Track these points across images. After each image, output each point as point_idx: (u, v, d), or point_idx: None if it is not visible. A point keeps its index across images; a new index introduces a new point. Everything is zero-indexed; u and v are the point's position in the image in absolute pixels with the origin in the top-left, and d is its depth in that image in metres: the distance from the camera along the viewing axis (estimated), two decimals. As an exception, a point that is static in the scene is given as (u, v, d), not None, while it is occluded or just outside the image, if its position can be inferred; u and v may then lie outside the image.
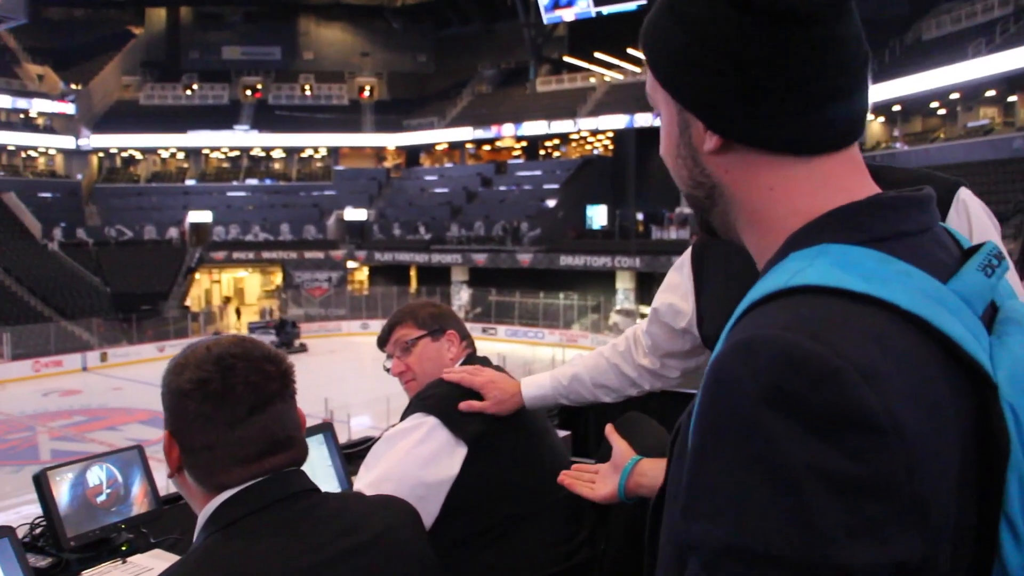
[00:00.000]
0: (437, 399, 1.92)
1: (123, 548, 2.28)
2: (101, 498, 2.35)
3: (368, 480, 1.82)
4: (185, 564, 1.17)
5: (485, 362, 2.20)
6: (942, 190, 1.61)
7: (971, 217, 1.47)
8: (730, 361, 0.65)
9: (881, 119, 34.13)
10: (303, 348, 33.65)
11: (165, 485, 2.68)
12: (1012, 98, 29.54)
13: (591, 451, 4.36)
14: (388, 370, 2.21)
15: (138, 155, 48.35)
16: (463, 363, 2.16)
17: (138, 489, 2.46)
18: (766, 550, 0.60)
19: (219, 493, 1.21)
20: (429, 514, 1.79)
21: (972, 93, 29.43)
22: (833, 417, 0.60)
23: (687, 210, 38.40)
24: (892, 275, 0.68)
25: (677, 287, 1.86)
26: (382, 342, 2.23)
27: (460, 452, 1.86)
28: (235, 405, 1.19)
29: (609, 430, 1.75)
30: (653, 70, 0.83)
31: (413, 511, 1.43)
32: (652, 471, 1.60)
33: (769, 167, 0.77)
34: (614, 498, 1.66)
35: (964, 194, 1.53)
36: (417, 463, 1.82)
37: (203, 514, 1.23)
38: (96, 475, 2.35)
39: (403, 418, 1.96)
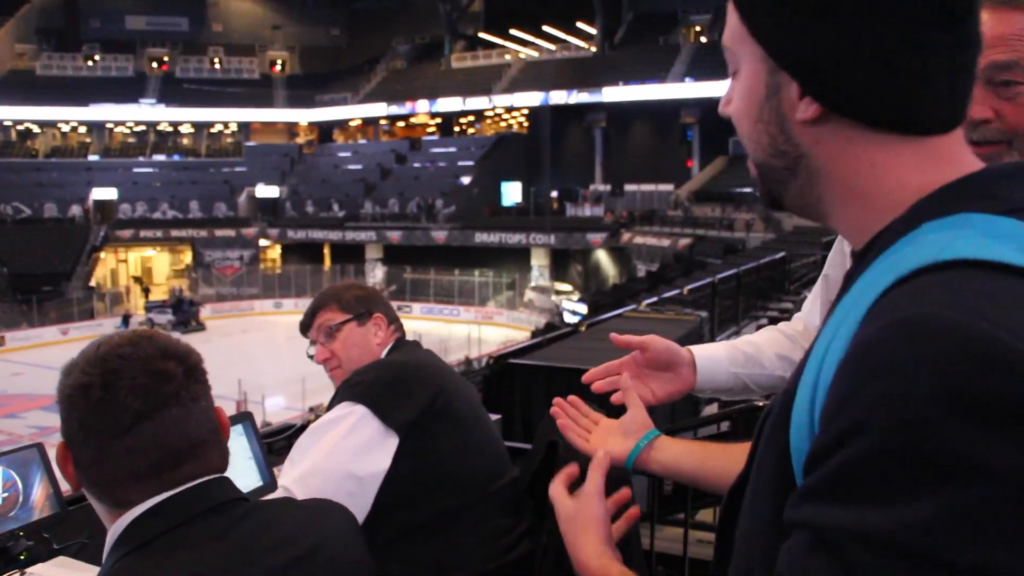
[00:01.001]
0: (366, 386, 1.81)
1: (22, 557, 2.02)
2: None
3: (294, 476, 1.73)
4: None
5: (415, 345, 2.12)
6: None
7: None
8: (892, 344, 0.57)
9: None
10: (201, 327, 33.04)
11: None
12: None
13: (515, 435, 4.44)
14: (312, 357, 2.10)
15: (35, 128, 46.33)
16: (392, 348, 2.07)
17: (39, 491, 2.16)
18: (912, 545, 0.53)
19: (126, 510, 1.08)
20: (361, 509, 1.69)
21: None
22: (1019, 409, 0.52)
23: (601, 187, 38.99)
24: None
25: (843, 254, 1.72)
26: (305, 327, 2.11)
27: (391, 442, 1.76)
28: (118, 413, 1.05)
29: (625, 385, 1.40)
30: (744, 17, 0.73)
31: (350, 516, 1.33)
32: (672, 450, 1.36)
33: (871, 143, 0.70)
34: (616, 460, 1.36)
35: None
36: (346, 456, 1.72)
37: (112, 532, 1.10)
38: None
39: (329, 407, 1.86)
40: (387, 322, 2.10)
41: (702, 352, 1.52)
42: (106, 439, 1.07)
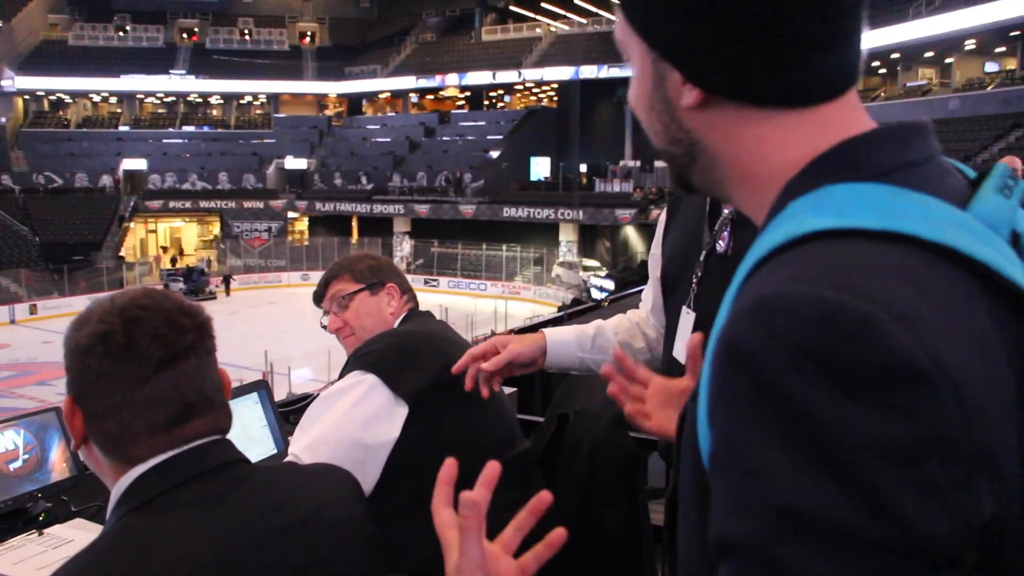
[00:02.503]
0: (376, 355, 1.82)
1: (40, 519, 2.15)
2: (16, 465, 2.21)
3: (303, 443, 1.72)
4: (96, 549, 1.04)
5: (428, 316, 2.11)
6: None
7: None
8: (743, 328, 0.57)
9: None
10: (212, 296, 33.39)
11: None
12: (949, 60, 30.04)
13: (535, 409, 4.37)
14: (325, 327, 2.11)
15: (67, 99, 46.65)
16: (404, 318, 2.07)
17: (56, 454, 2.31)
18: (813, 531, 0.53)
19: (131, 467, 1.09)
20: (369, 478, 1.71)
21: (911, 54, 29.84)
22: (873, 373, 0.53)
23: (630, 163, 38.58)
24: (908, 207, 0.62)
25: (657, 238, 1.85)
26: (318, 297, 2.13)
27: (401, 412, 1.76)
28: (141, 360, 1.07)
29: (694, 345, 1.28)
30: (626, 13, 0.75)
31: (352, 481, 1.33)
32: None
33: (757, 121, 0.70)
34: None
35: None
36: (356, 424, 1.72)
37: (115, 491, 1.10)
38: (10, 440, 2.21)
39: (341, 376, 1.86)
40: (400, 292, 2.10)
41: (554, 337, 1.73)
42: (127, 387, 1.07)
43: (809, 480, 0.53)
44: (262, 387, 2.43)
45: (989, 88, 27.38)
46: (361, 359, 1.82)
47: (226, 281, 35.77)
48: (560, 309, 21.13)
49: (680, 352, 1.59)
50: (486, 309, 27.07)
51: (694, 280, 1.61)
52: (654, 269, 1.85)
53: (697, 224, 1.66)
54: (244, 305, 31.87)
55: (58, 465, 2.29)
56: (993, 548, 0.56)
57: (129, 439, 1.09)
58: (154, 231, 42.68)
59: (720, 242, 1.58)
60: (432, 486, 1.72)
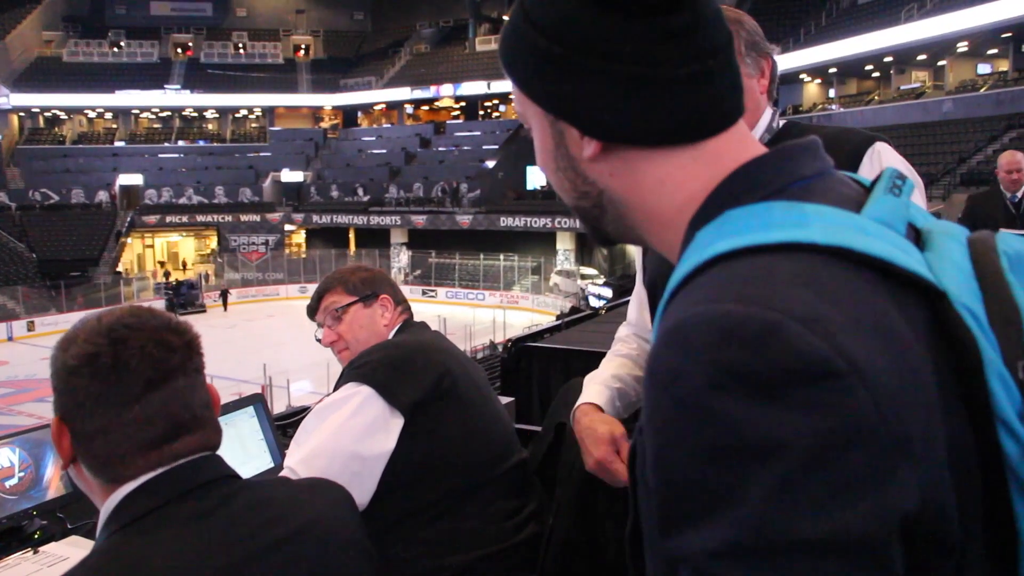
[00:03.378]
0: (371, 367, 1.80)
1: (36, 536, 2.13)
2: (12, 482, 2.19)
3: (299, 456, 1.71)
4: (86, 567, 1.03)
5: (423, 327, 2.10)
6: (861, 144, 1.63)
7: (883, 165, 1.46)
8: (662, 354, 0.60)
9: (818, 81, 34.57)
10: (202, 309, 33.54)
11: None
12: (942, 62, 30.15)
13: (533, 418, 4.35)
14: (319, 340, 2.10)
15: (63, 115, 46.75)
16: (399, 329, 2.06)
17: (52, 471, 2.29)
18: (758, 540, 0.55)
19: (120, 485, 1.08)
20: (366, 491, 1.69)
21: (904, 57, 29.95)
22: (785, 376, 0.55)
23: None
24: (802, 217, 0.65)
25: (638, 255, 1.84)
26: (312, 311, 2.13)
27: (397, 423, 1.75)
28: (129, 381, 1.06)
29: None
30: (518, 83, 0.79)
31: (345, 494, 1.32)
32: None
33: (654, 161, 0.74)
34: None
35: (880, 146, 1.58)
36: (352, 436, 1.71)
37: (104, 509, 1.10)
38: (5, 457, 2.20)
39: (336, 388, 1.85)
40: (394, 303, 2.10)
41: (597, 396, 1.68)
42: (116, 408, 1.07)
43: (740, 492, 0.55)
44: (258, 400, 2.41)
45: (982, 90, 27.47)
46: (356, 371, 1.81)
47: (223, 295, 35.65)
48: (558, 318, 21.13)
49: None
50: (484, 319, 27.06)
51: None
52: (639, 285, 1.84)
53: None
54: (242, 319, 31.84)
55: (53, 482, 2.27)
56: (932, 534, 0.58)
57: (118, 458, 1.08)
58: (151, 246, 42.70)
59: None
60: (428, 498, 1.73)
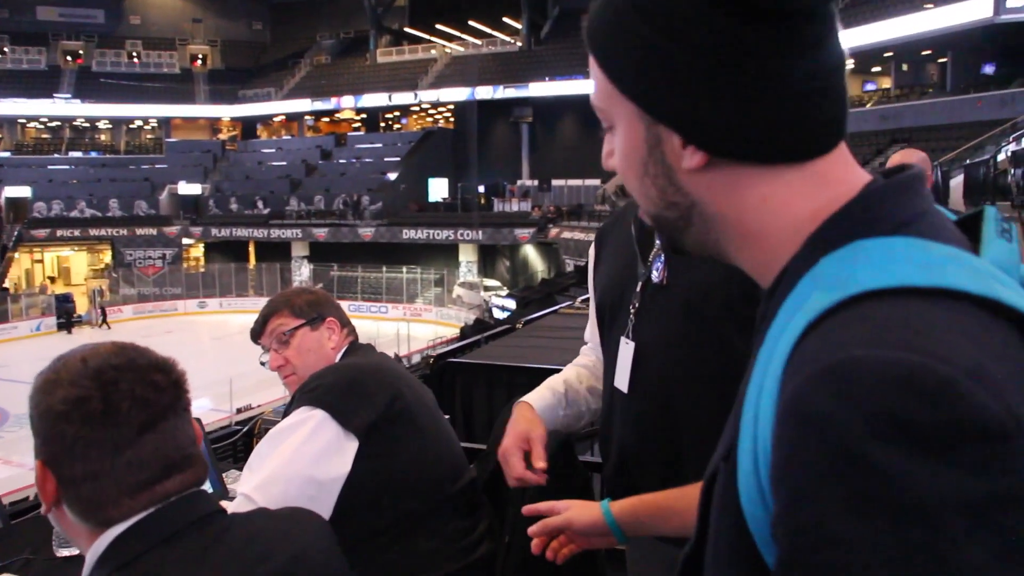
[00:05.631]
0: (323, 390, 1.80)
1: None
2: None
3: (255, 483, 1.70)
4: None
5: (369, 349, 2.11)
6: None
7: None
8: (814, 396, 0.56)
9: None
10: (80, 321, 32.69)
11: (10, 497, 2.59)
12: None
13: (462, 434, 4.45)
14: (264, 364, 2.09)
15: (-60, 124, 44.62)
16: (346, 352, 2.07)
17: None
18: None
19: (107, 528, 1.06)
20: (323, 515, 1.62)
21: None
22: (953, 434, 0.52)
23: (528, 182, 39.20)
24: (942, 260, 0.62)
25: (589, 274, 1.86)
26: (256, 334, 2.10)
27: (351, 446, 1.75)
28: (121, 426, 1.03)
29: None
30: (615, 79, 0.74)
31: (323, 523, 1.34)
32: (630, 510, 1.48)
33: (761, 178, 0.71)
34: (600, 530, 1.46)
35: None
36: (306, 461, 1.71)
37: (92, 553, 1.07)
38: None
39: (287, 413, 1.85)
40: (340, 326, 2.09)
41: (540, 405, 1.73)
42: (108, 453, 1.04)
43: (891, 549, 0.52)
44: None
45: (868, 105, 28.70)
46: (308, 395, 1.81)
47: (102, 311, 33.58)
48: (462, 331, 21.20)
49: (622, 382, 1.62)
50: (388, 332, 27.08)
51: (631, 310, 1.62)
52: (592, 305, 1.85)
53: (630, 256, 1.68)
54: (139, 335, 30.97)
55: None
56: None
57: (108, 502, 1.06)
58: (40, 261, 41.10)
59: (655, 271, 1.59)
60: (385, 520, 1.80)
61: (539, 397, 1.76)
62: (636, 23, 0.70)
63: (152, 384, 1.07)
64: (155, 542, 1.06)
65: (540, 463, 1.59)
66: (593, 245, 1.86)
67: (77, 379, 1.04)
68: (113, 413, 1.03)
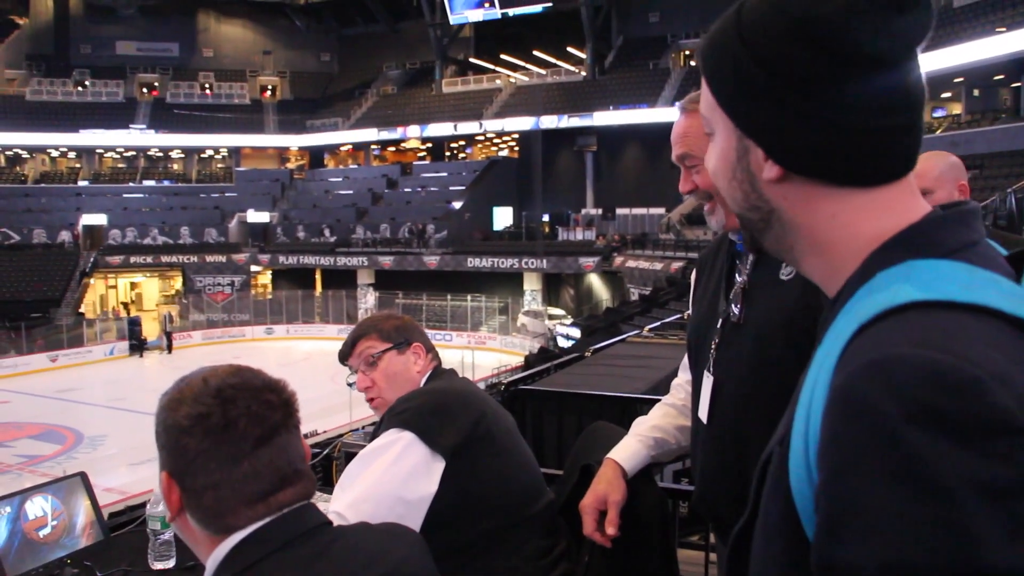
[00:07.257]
0: (412, 413, 1.88)
1: None
2: (45, 531, 2.25)
3: (347, 501, 1.78)
4: None
5: (452, 374, 2.18)
6: None
7: None
8: (862, 383, 0.65)
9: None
10: (143, 345, 33.49)
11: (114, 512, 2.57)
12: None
13: (547, 460, 4.43)
14: (351, 385, 2.18)
15: (24, 154, 46.14)
16: (430, 376, 2.14)
17: (83, 519, 2.35)
18: (929, 564, 0.60)
19: (227, 536, 1.16)
20: None
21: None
22: (980, 426, 0.61)
23: (592, 211, 39.03)
24: (983, 283, 0.71)
25: (690, 301, 1.98)
26: (344, 356, 2.18)
27: (438, 467, 1.83)
28: (239, 439, 1.14)
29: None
30: (716, 94, 0.85)
31: (420, 539, 1.41)
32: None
33: (831, 197, 0.80)
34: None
35: None
36: (396, 481, 1.79)
37: (212, 559, 1.17)
38: (38, 507, 2.25)
39: (375, 435, 1.93)
40: (425, 351, 2.17)
41: (625, 457, 1.89)
42: (227, 465, 1.14)
43: (916, 518, 0.61)
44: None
45: (938, 132, 28.18)
46: (397, 417, 1.89)
47: (167, 337, 34.42)
48: (526, 359, 21.11)
49: (703, 414, 1.75)
50: (452, 360, 26.85)
51: (712, 346, 1.74)
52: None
53: (716, 293, 1.80)
54: (208, 360, 31.10)
55: (85, 530, 2.32)
56: None
57: (228, 511, 1.15)
58: (114, 286, 42.12)
59: (734, 310, 1.71)
60: (467, 537, 1.88)
61: (624, 449, 1.91)
62: (740, 50, 0.80)
63: (265, 402, 1.17)
64: (270, 550, 1.14)
65: (611, 529, 1.77)
66: (693, 273, 1.96)
67: (200, 397, 1.15)
68: (232, 428, 1.13)
